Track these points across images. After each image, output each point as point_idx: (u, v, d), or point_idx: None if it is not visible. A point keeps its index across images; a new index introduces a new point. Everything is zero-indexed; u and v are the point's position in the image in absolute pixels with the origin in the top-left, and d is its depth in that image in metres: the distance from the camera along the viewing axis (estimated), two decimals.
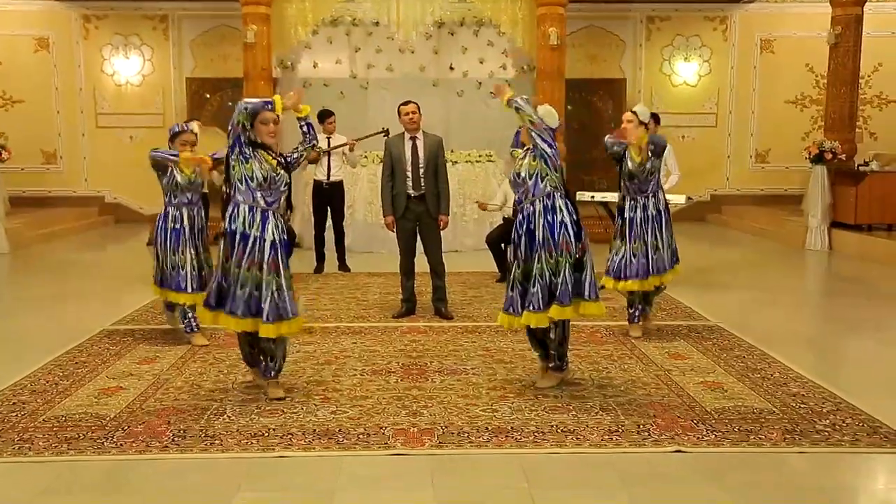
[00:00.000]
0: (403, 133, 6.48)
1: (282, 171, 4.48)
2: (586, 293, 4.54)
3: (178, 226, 5.56)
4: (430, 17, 11.71)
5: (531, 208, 4.56)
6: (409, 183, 6.39)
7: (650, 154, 5.64)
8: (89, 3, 13.30)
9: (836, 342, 6.06)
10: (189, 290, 5.51)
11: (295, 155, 4.62)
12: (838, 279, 9.00)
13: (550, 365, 4.74)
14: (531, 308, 4.50)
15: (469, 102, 12.46)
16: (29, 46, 13.39)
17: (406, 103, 6.48)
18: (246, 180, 4.37)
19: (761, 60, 13.94)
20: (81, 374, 4.97)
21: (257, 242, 4.36)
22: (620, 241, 5.80)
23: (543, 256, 4.49)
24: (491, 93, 4.63)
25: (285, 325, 4.41)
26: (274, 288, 4.37)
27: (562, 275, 4.47)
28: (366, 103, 12.28)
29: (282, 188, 4.51)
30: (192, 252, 5.58)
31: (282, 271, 4.41)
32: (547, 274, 4.49)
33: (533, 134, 4.54)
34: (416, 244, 6.56)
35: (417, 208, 6.43)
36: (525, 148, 4.72)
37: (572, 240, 4.50)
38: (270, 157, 4.45)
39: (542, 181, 4.54)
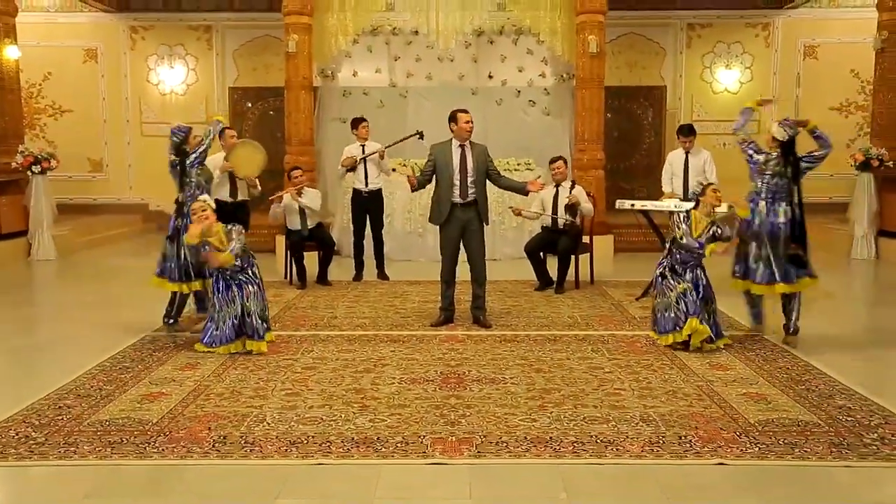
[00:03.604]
0: (451, 140, 6.47)
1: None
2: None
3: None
4: (470, 26, 11.72)
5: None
6: (456, 191, 6.39)
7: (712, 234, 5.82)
8: (136, 14, 13.59)
9: (883, 353, 5.92)
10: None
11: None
12: (885, 288, 8.80)
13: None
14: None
15: (508, 111, 12.42)
16: (78, 57, 13.70)
17: (463, 111, 6.47)
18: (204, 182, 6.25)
19: (804, 67, 13.71)
20: (125, 379, 5.05)
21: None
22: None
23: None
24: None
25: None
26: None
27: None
28: (405, 112, 12.32)
29: None
30: None
31: None
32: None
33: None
34: (459, 252, 6.56)
35: (464, 215, 6.42)
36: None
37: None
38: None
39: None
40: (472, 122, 6.43)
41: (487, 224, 6.60)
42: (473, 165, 6.39)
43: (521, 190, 6.68)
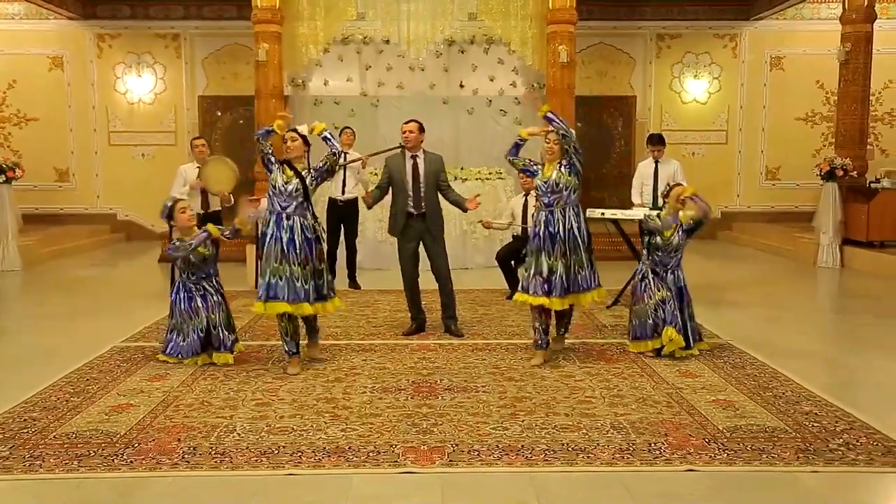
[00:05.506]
0: (404, 151, 6.44)
1: (295, 180, 5.36)
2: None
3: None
4: (441, 35, 11.79)
5: (559, 213, 5.44)
6: (410, 202, 6.35)
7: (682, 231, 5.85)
8: (103, 21, 13.46)
9: (848, 360, 6.02)
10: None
11: (320, 164, 5.56)
12: (850, 296, 8.95)
13: (561, 331, 5.96)
14: (555, 294, 5.43)
15: (479, 120, 12.50)
16: (43, 65, 13.54)
17: (407, 122, 6.44)
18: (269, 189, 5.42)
19: (771, 77, 13.95)
20: (92, 390, 4.98)
21: (284, 240, 5.32)
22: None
23: (567, 253, 5.43)
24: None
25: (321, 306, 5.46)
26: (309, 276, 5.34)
27: (584, 269, 5.50)
28: (376, 121, 12.34)
29: (294, 195, 5.35)
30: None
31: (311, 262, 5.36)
32: (568, 267, 5.46)
33: (571, 151, 5.45)
34: (417, 263, 6.53)
35: (420, 226, 6.40)
36: (558, 161, 5.51)
37: (587, 241, 5.51)
38: (288, 170, 5.43)
39: (574, 193, 5.48)
40: (412, 132, 6.32)
41: (440, 236, 6.48)
42: (425, 176, 6.36)
43: (462, 207, 6.53)
